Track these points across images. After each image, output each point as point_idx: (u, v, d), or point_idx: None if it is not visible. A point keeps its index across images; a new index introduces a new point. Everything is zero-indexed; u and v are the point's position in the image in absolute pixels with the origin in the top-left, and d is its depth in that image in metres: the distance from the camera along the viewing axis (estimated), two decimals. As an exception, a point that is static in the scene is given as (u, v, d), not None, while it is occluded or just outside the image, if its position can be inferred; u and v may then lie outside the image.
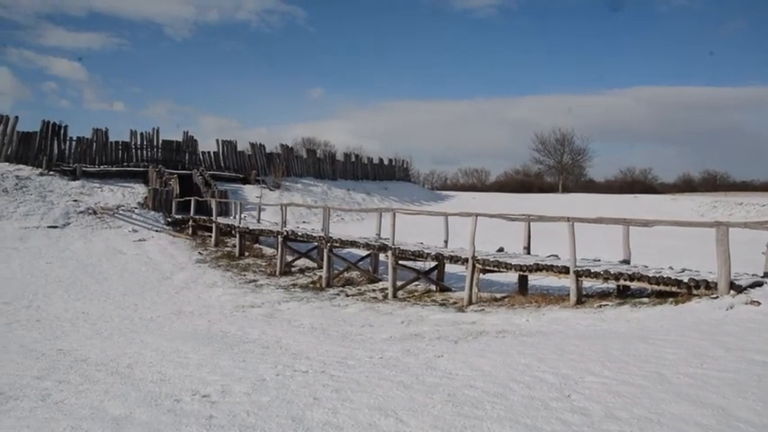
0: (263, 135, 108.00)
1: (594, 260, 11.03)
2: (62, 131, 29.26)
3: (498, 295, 11.99)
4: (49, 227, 21.62)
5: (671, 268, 9.85)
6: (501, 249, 13.17)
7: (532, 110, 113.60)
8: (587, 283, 10.47)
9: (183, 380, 5.99)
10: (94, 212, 23.90)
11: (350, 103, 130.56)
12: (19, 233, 20.27)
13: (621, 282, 9.62)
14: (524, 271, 10.94)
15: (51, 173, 26.80)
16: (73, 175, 27.30)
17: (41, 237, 20.25)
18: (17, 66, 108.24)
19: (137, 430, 4.44)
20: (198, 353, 7.56)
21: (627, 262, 10.62)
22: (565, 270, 10.11)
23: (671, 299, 8.93)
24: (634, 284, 9.66)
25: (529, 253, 12.26)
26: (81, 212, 23.59)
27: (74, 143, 29.61)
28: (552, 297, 10.97)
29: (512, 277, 12.47)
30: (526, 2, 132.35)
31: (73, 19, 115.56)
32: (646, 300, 9.47)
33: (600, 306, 9.48)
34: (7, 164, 26.57)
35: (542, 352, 6.12)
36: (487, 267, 11.51)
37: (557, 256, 11.78)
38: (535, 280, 12.14)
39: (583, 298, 10.11)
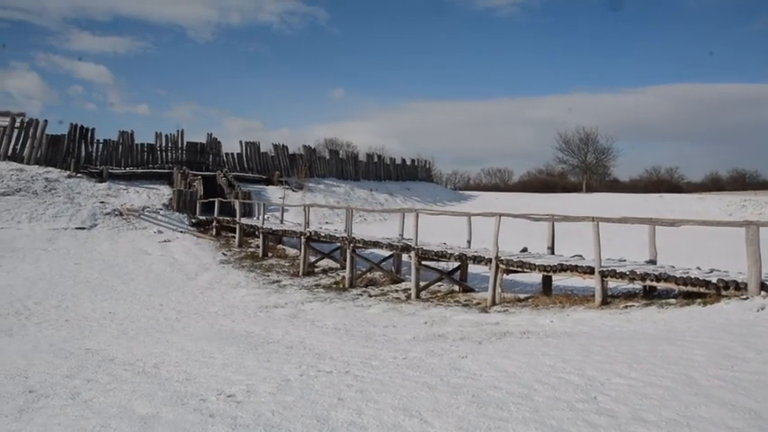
0: (286, 136, 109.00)
1: (620, 260, 10.90)
2: (89, 134, 29.83)
3: (522, 296, 11.91)
4: (76, 228, 22.01)
5: (699, 269, 9.68)
6: (525, 250, 13.10)
7: (556, 109, 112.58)
8: (612, 284, 10.36)
9: (208, 379, 6.04)
10: (120, 214, 24.27)
11: (371, 104, 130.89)
12: (48, 234, 20.66)
13: (648, 282, 9.49)
14: (548, 271, 10.86)
15: (79, 175, 27.29)
16: (100, 177, 27.76)
17: (69, 238, 20.61)
18: (45, 70, 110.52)
19: (164, 429, 4.49)
20: (223, 353, 7.62)
21: (653, 262, 10.46)
22: (590, 270, 10.01)
23: (699, 300, 8.78)
24: (661, 285, 9.52)
25: (553, 253, 12.16)
26: (107, 214, 23.98)
27: (100, 146, 30.16)
28: (577, 298, 10.86)
29: (535, 278, 12.38)
30: (549, 0, 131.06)
31: (98, 24, 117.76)
32: (673, 301, 9.33)
33: (626, 307, 9.37)
34: (37, 166, 27.10)
35: (567, 353, 6.06)
36: (511, 268, 11.45)
37: (581, 256, 11.67)
38: (559, 280, 12.05)
39: (608, 299, 10.00)
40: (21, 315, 11.88)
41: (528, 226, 13.58)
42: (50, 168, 27.21)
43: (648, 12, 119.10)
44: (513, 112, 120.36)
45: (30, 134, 28.20)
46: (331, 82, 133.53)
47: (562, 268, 10.52)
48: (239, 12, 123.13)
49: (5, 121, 28.30)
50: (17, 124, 28.27)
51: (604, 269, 9.79)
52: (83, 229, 22.09)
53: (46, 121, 28.64)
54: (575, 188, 64.81)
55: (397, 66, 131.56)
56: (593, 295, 10.01)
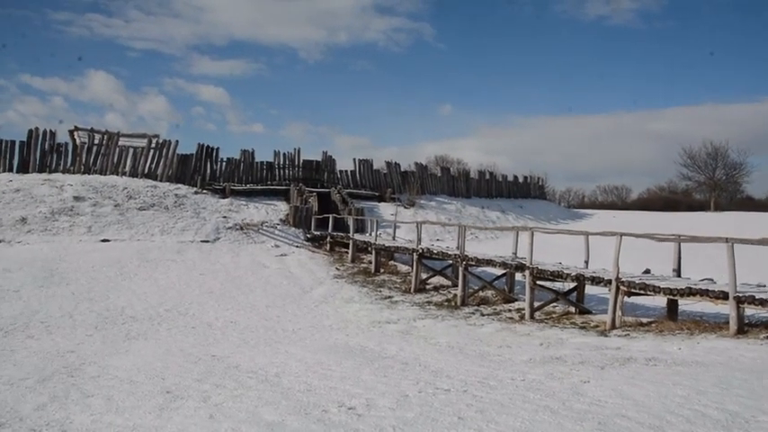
0: (394, 153, 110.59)
1: (758, 285, 10.06)
2: (214, 153, 31.97)
3: (644, 320, 11.28)
4: (201, 241, 23.48)
5: None
6: (647, 271, 12.42)
7: (679, 122, 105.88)
8: (749, 311, 9.57)
9: (328, 391, 6.21)
10: (241, 228, 25.60)
11: (480, 120, 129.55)
12: (177, 246, 22.17)
13: (792, 311, 8.70)
14: (675, 295, 10.21)
15: (204, 191, 29.18)
16: (222, 194, 29.51)
17: (195, 250, 21.99)
18: (171, 94, 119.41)
19: (290, 437, 4.67)
20: (340, 365, 7.80)
21: (797, 289, 9.58)
22: (722, 295, 9.31)
23: None
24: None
25: (679, 276, 11.44)
26: (229, 228, 25.39)
27: (224, 164, 32.14)
28: (707, 324, 10.14)
29: (658, 301, 11.70)
30: (669, 3, 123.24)
31: (217, 48, 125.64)
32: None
33: (767, 338, 8.62)
34: (168, 183, 29.27)
35: (702, 384, 5.67)
36: (633, 290, 10.87)
37: (711, 279, 10.89)
38: (686, 305, 11.31)
39: (744, 327, 9.25)
40: (154, 321, 12.82)
41: (649, 246, 12.87)
42: (180, 185, 29.29)
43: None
44: (631, 125, 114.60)
45: (163, 154, 30.59)
46: (438, 98, 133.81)
47: (690, 292, 9.86)
48: (346, 31, 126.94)
49: (143, 142, 30.88)
50: (152, 145, 30.76)
51: (740, 294, 9.07)
52: (207, 242, 23.52)
53: (177, 141, 31.02)
54: (700, 207, 60.64)
55: (505, 80, 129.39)
56: (727, 322, 9.30)
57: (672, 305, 11.10)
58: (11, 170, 28.97)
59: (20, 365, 8.14)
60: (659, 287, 10.34)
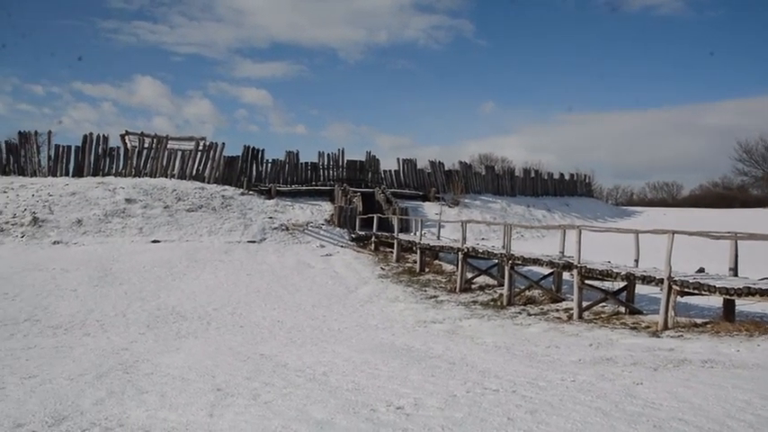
0: (436, 152, 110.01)
1: (821, 285, 9.63)
2: (260, 155, 32.48)
3: (698, 321, 10.93)
4: (248, 241, 23.88)
5: None
6: (701, 270, 12.06)
7: (734, 115, 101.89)
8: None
9: (376, 390, 6.22)
10: (286, 229, 25.92)
11: (523, 118, 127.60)
12: (224, 247, 22.60)
13: None
14: (731, 295, 9.85)
15: (250, 192, 29.68)
16: (268, 195, 29.95)
17: (242, 251, 22.37)
18: (215, 97, 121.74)
19: (339, 435, 4.69)
20: (387, 365, 7.81)
21: None
22: (784, 295, 8.96)
23: None
24: None
25: (736, 275, 11.05)
26: (275, 228, 25.74)
27: (269, 165, 32.62)
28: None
29: (713, 302, 11.33)
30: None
31: (258, 51, 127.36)
32: None
33: (830, 338, 8.26)
34: (215, 185, 29.88)
35: (765, 388, 5.46)
36: (686, 289, 10.55)
37: (771, 279, 10.48)
38: (743, 305, 10.92)
39: (807, 328, 8.88)
40: (203, 320, 13.10)
41: (703, 245, 12.46)
42: (226, 186, 29.86)
43: None
44: (681, 120, 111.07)
45: (210, 156, 31.25)
46: (480, 96, 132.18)
47: (749, 292, 9.50)
48: (386, 30, 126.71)
49: (190, 145, 31.62)
50: (200, 147, 31.44)
51: (802, 294, 8.71)
52: (253, 242, 23.90)
53: (223, 143, 31.68)
54: (758, 203, 58.35)
55: (548, 76, 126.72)
56: (788, 323, 8.94)
57: (728, 305, 10.73)
58: (67, 174, 30.09)
59: (78, 362, 8.42)
60: (715, 287, 10.00)
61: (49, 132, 31.47)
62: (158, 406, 5.82)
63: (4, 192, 25.50)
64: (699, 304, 12.05)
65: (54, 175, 29.94)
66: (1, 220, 22.76)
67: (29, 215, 23.31)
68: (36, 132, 31.20)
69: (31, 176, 29.66)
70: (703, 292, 10.32)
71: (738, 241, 10.98)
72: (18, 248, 20.70)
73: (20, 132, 31.16)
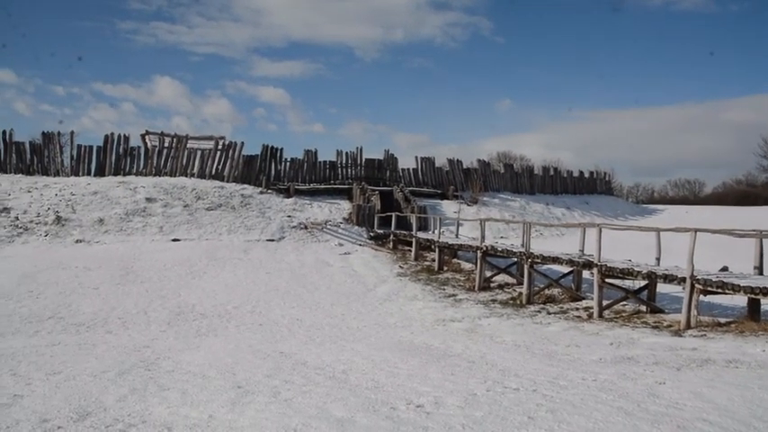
0: (454, 150, 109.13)
1: None
2: (278, 154, 32.63)
3: (722, 320, 10.78)
4: (267, 240, 24.01)
5: None
6: (725, 269, 11.88)
7: (758, 111, 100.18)
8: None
9: (395, 389, 6.22)
10: (305, 227, 26.02)
11: (541, 115, 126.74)
12: (243, 245, 22.74)
13: None
14: (756, 294, 9.70)
15: (269, 191, 29.84)
16: (287, 193, 30.09)
17: (261, 249, 22.49)
18: (233, 96, 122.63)
19: (360, 433, 4.69)
20: (406, 363, 7.80)
21: None
22: (810, 294, 8.79)
23: None
24: None
25: (761, 273, 10.87)
26: (294, 227, 25.85)
27: (287, 164, 32.76)
28: (793, 325, 9.60)
29: (738, 301, 11.16)
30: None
31: (276, 50, 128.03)
32: None
33: None
34: (234, 184, 30.09)
35: (791, 388, 5.37)
36: (709, 288, 10.40)
37: (797, 278, 10.29)
38: (768, 305, 10.74)
39: (834, 328, 8.71)
40: (223, 318, 13.19)
41: (726, 243, 12.30)
42: (245, 185, 30.05)
43: None
44: (703, 116, 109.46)
45: (229, 155, 31.46)
46: (497, 93, 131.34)
47: (774, 291, 9.36)
48: (402, 28, 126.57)
49: (210, 144, 31.86)
50: (219, 147, 31.67)
51: (829, 293, 8.54)
52: (272, 240, 24.03)
53: (242, 143, 31.87)
54: (782, 200, 57.43)
55: (566, 73, 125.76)
56: (815, 323, 8.77)
57: (753, 305, 10.56)
58: (89, 174, 30.50)
59: (101, 359, 8.53)
60: (739, 285, 9.85)
61: (72, 133, 31.93)
62: (180, 403, 5.87)
63: (29, 191, 25.91)
64: (722, 303, 11.87)
65: (76, 174, 30.34)
66: (25, 220, 23.13)
67: (52, 214, 23.67)
68: (59, 133, 31.69)
69: (54, 176, 30.08)
70: (727, 291, 10.18)
71: (763, 239, 10.80)
72: (42, 247, 21.03)
73: (43, 133, 31.66)
